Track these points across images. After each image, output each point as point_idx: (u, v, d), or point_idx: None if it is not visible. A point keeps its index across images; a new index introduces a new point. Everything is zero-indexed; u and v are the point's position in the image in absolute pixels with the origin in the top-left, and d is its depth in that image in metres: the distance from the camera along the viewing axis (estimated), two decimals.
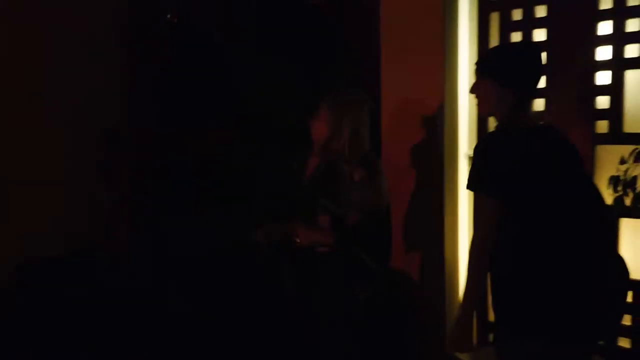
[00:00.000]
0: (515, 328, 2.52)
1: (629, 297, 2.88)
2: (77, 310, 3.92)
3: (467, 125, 3.61)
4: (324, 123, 2.99)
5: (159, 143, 4.50)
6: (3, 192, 3.95)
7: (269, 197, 3.38)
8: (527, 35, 3.40)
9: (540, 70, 2.72)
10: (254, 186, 4.08)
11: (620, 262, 2.57)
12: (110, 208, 4.41)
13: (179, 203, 4.41)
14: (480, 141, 2.62)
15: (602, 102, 3.22)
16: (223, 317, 3.95)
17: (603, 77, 3.21)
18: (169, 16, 4.42)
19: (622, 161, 3.02)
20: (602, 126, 3.22)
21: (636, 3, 3.11)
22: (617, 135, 3.16)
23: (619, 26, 3.14)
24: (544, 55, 3.25)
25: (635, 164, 2.98)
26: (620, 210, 3.05)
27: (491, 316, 3.50)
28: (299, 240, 2.94)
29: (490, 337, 3.57)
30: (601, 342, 3.20)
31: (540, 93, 3.31)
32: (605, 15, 3.19)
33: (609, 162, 3.13)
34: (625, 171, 2.99)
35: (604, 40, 3.20)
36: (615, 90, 3.16)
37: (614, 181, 3.03)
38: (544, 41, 3.34)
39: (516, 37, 3.43)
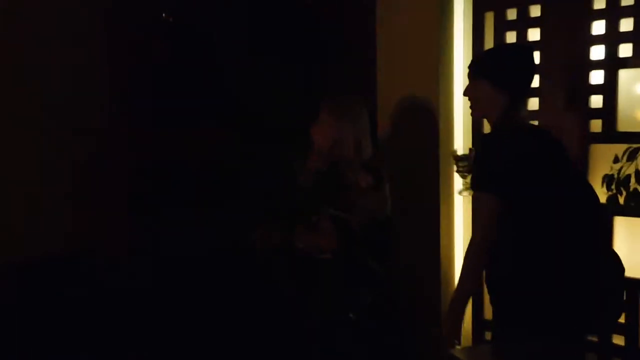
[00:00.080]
0: (515, 326, 2.54)
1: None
2: (77, 310, 3.93)
3: (462, 126, 3.62)
4: (326, 128, 2.98)
5: (156, 143, 4.51)
6: (3, 192, 3.96)
7: (267, 198, 3.38)
8: (522, 35, 3.41)
9: (534, 71, 2.75)
10: (252, 186, 4.09)
11: (616, 259, 2.60)
12: (109, 208, 4.42)
13: (177, 203, 4.42)
14: (479, 142, 2.64)
15: (596, 101, 3.24)
16: (222, 317, 3.96)
17: (597, 77, 3.23)
18: (164, 15, 4.42)
19: (616, 160, 3.03)
20: (596, 125, 3.24)
21: (630, 3, 3.12)
22: (611, 134, 3.18)
23: (612, 26, 3.16)
24: (537, 54, 3.30)
25: (628, 162, 2.99)
26: (614, 209, 3.06)
27: (487, 314, 3.52)
28: (301, 245, 2.94)
29: (487, 335, 3.58)
30: (596, 339, 3.23)
31: (534, 92, 3.34)
32: (599, 14, 3.21)
33: (603, 161, 3.15)
34: (619, 170, 3.00)
35: (598, 39, 3.22)
36: (609, 89, 3.18)
37: (608, 180, 3.04)
38: (538, 40, 3.36)
39: (511, 36, 3.45)
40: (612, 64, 3.17)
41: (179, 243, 4.28)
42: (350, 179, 2.96)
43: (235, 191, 4.24)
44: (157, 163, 4.53)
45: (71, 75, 4.28)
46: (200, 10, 4.53)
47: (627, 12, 3.13)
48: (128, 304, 4.09)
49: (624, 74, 3.17)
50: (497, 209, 2.47)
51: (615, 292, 2.59)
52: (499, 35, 3.47)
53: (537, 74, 3.29)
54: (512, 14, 3.45)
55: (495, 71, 2.68)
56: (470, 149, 3.17)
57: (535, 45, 3.36)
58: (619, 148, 3.06)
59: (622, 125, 3.17)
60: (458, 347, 2.76)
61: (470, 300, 3.44)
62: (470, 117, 3.55)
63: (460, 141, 3.61)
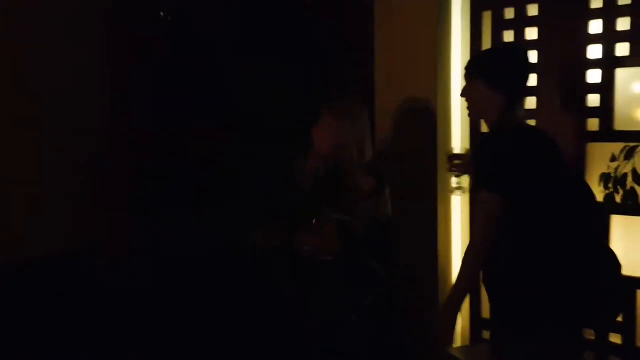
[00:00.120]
0: (514, 324, 2.55)
1: None
2: (77, 310, 3.94)
3: (459, 126, 3.63)
4: (327, 130, 2.96)
5: (156, 143, 4.52)
6: (3, 192, 3.97)
7: (267, 198, 3.38)
8: (520, 34, 3.42)
9: (529, 70, 2.76)
10: (252, 187, 4.09)
11: (613, 257, 2.60)
12: (109, 208, 4.43)
13: (177, 203, 4.42)
14: (480, 142, 2.65)
15: (593, 100, 3.25)
16: (222, 317, 3.96)
17: (594, 76, 3.24)
18: (162, 14, 4.43)
19: (613, 159, 3.04)
20: (593, 124, 3.25)
21: (627, 2, 3.13)
22: (608, 133, 3.19)
23: (609, 25, 3.17)
24: (534, 54, 3.31)
25: (625, 161, 2.99)
26: (611, 207, 3.07)
27: (485, 313, 3.53)
28: (304, 249, 2.93)
29: (485, 334, 3.58)
30: (593, 337, 3.24)
31: (531, 92, 3.35)
32: (596, 14, 3.22)
33: (600, 160, 3.15)
34: (616, 169, 3.00)
35: (595, 38, 3.22)
36: (606, 88, 3.19)
37: (605, 178, 3.05)
38: (536, 40, 3.37)
39: (508, 35, 3.46)
40: (610, 63, 3.18)
41: (179, 243, 4.28)
42: (353, 181, 2.94)
43: (235, 191, 4.24)
44: (157, 163, 4.54)
45: (71, 75, 4.29)
46: (200, 10, 4.54)
47: (624, 11, 3.14)
48: (128, 304, 4.09)
49: (621, 73, 3.18)
50: (499, 208, 2.47)
51: (614, 290, 2.60)
52: (497, 35, 3.48)
53: (533, 73, 3.31)
54: (509, 13, 3.46)
55: (492, 72, 2.70)
56: (466, 150, 3.16)
57: (532, 44, 3.37)
58: (616, 147, 3.06)
59: (619, 124, 3.18)
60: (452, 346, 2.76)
61: (468, 299, 3.47)
62: (467, 117, 3.57)
63: (458, 141, 3.62)
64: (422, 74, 3.55)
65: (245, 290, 3.84)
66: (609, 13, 3.17)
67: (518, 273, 2.52)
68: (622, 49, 3.16)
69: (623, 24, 3.15)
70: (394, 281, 3.12)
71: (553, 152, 2.66)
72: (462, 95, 2.81)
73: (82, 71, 4.34)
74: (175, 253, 4.28)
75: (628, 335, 3.17)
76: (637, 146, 2.97)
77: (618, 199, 3.03)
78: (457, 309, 2.64)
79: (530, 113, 3.31)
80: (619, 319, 3.14)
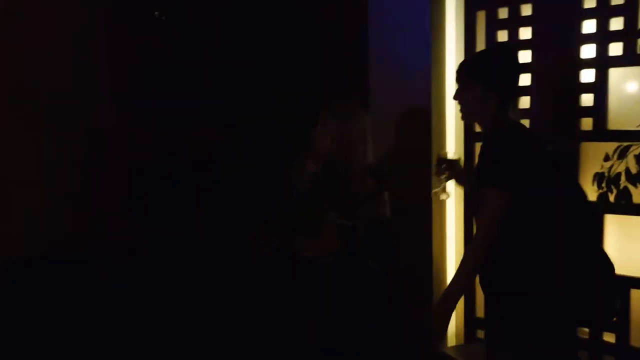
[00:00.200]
0: (512, 322, 2.55)
1: None
2: (77, 310, 3.95)
3: (454, 125, 3.64)
4: (326, 131, 2.95)
5: (156, 143, 4.52)
6: (3, 192, 3.99)
7: (267, 199, 3.39)
8: (513, 34, 3.43)
9: (520, 70, 2.76)
10: (252, 187, 4.09)
11: (606, 257, 2.61)
12: (109, 208, 4.44)
13: (177, 203, 4.43)
14: (483, 143, 2.64)
15: (587, 99, 3.26)
16: (222, 317, 3.97)
17: (587, 75, 3.25)
18: (156, 14, 4.44)
19: (607, 158, 3.04)
20: (587, 123, 3.26)
21: (620, 2, 3.14)
22: (601, 133, 3.20)
23: (602, 25, 3.18)
24: (528, 53, 3.32)
25: (619, 160, 2.99)
26: (605, 207, 3.07)
27: (479, 312, 3.54)
28: (306, 249, 2.93)
29: (479, 333, 3.60)
30: (587, 337, 3.25)
31: (525, 91, 3.36)
32: (589, 13, 3.23)
33: (594, 159, 3.16)
34: (610, 168, 3.00)
35: (588, 38, 3.23)
36: (600, 88, 3.21)
37: (599, 178, 3.04)
38: (529, 39, 3.38)
39: (502, 35, 3.47)
40: (603, 63, 3.19)
41: (179, 243, 4.29)
42: (352, 182, 2.95)
43: (235, 191, 4.25)
44: (157, 163, 4.54)
45: (71, 75, 4.31)
46: (199, 10, 4.55)
47: (617, 11, 3.15)
48: (128, 304, 4.10)
49: (614, 73, 3.20)
50: (505, 205, 2.47)
51: (612, 290, 2.61)
52: (491, 34, 3.49)
53: (527, 72, 3.33)
54: (503, 13, 3.47)
55: (485, 73, 2.69)
56: (457, 155, 3.12)
57: (526, 44, 3.38)
58: (610, 146, 3.06)
59: (613, 124, 3.20)
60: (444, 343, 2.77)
61: (462, 299, 3.48)
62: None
63: (452, 141, 3.63)
64: (416, 74, 3.56)
65: (245, 290, 3.85)
66: (602, 13, 3.18)
67: (517, 273, 2.52)
68: (615, 49, 3.17)
69: (616, 23, 3.16)
70: (392, 281, 3.13)
71: (548, 152, 2.67)
72: (455, 97, 2.81)
73: (82, 71, 4.34)
74: (175, 253, 4.29)
75: (622, 334, 3.18)
76: (631, 145, 2.96)
77: (611, 198, 3.03)
78: (452, 307, 2.62)
79: (524, 113, 3.32)
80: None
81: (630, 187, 2.87)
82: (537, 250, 2.49)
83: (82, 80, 4.35)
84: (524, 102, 3.38)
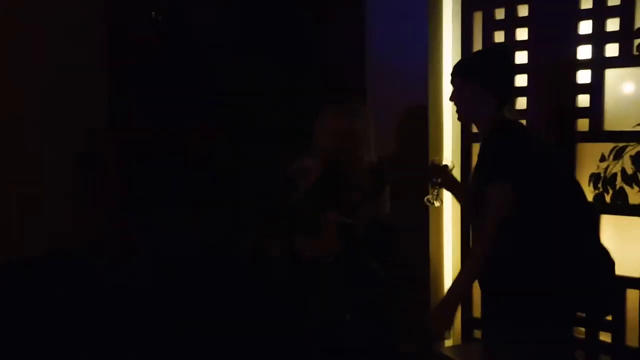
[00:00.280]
0: (514, 323, 2.56)
1: None
2: (77, 310, 3.96)
3: (450, 126, 3.65)
4: (329, 129, 2.96)
5: (156, 143, 4.53)
6: (3, 192, 4.00)
7: (266, 198, 3.39)
8: (510, 34, 3.44)
9: (515, 71, 2.77)
10: (252, 187, 4.09)
11: (607, 254, 2.62)
12: (109, 208, 4.45)
13: (176, 203, 4.44)
14: (486, 138, 2.64)
15: (583, 100, 3.26)
16: (222, 317, 3.98)
17: (584, 76, 3.26)
18: (154, 14, 4.44)
19: (603, 159, 3.04)
20: (583, 124, 3.26)
21: (616, 3, 3.15)
22: (598, 133, 3.21)
23: (599, 25, 3.19)
24: (525, 54, 3.33)
25: (615, 161, 2.99)
26: (601, 207, 3.08)
27: (476, 312, 3.55)
28: (307, 254, 2.94)
29: (476, 333, 3.60)
30: (584, 336, 3.26)
31: (521, 92, 3.37)
32: (585, 14, 3.24)
33: (590, 160, 3.16)
34: (606, 169, 3.00)
35: (585, 39, 3.24)
36: (596, 88, 3.21)
37: (595, 178, 3.05)
38: (526, 40, 3.39)
39: (499, 36, 3.47)
40: (599, 64, 3.20)
41: (178, 243, 4.30)
42: (353, 180, 2.95)
43: (236, 191, 4.26)
44: (156, 163, 4.55)
45: (71, 75, 4.32)
46: (197, 11, 4.55)
47: (613, 12, 3.16)
48: (128, 304, 4.11)
49: (610, 74, 3.20)
50: (512, 200, 2.46)
51: (613, 290, 2.63)
52: (488, 35, 3.49)
53: (524, 73, 3.34)
54: (500, 14, 3.47)
55: (482, 74, 2.69)
56: (450, 162, 3.09)
57: (523, 44, 3.39)
58: (606, 147, 3.06)
59: (609, 125, 3.21)
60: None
61: None
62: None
63: (449, 141, 3.64)
64: (413, 74, 3.57)
65: (245, 290, 3.85)
66: (599, 14, 3.19)
67: (517, 273, 2.52)
68: (612, 50, 3.18)
69: (612, 24, 3.16)
70: (391, 281, 3.14)
71: (548, 151, 2.68)
72: (452, 99, 2.80)
73: (81, 71, 4.36)
74: (175, 253, 4.29)
75: (617, 334, 3.19)
76: (627, 146, 2.96)
77: (607, 198, 3.04)
78: (456, 307, 2.58)
79: (521, 113, 3.33)
80: (609, 317, 3.17)
81: (626, 188, 2.87)
82: (537, 250, 2.49)
83: (82, 80, 4.37)
84: (521, 102, 3.39)
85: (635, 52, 3.11)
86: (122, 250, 4.40)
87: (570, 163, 3.24)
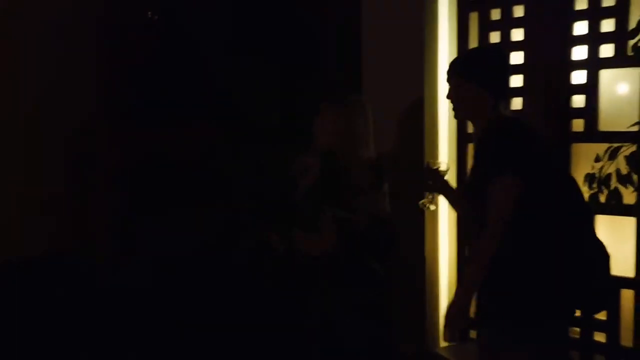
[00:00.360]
0: (513, 323, 2.56)
1: None
2: (77, 310, 3.98)
3: (446, 127, 3.66)
4: (328, 126, 2.98)
5: (156, 143, 4.55)
6: (3, 192, 4.02)
7: (267, 198, 3.39)
8: (506, 35, 3.44)
9: (510, 70, 2.78)
10: (252, 186, 4.10)
11: (604, 249, 2.62)
12: (108, 208, 4.47)
13: (176, 203, 4.45)
14: (488, 133, 2.64)
15: (578, 100, 3.27)
16: (222, 316, 3.99)
17: (578, 77, 3.26)
18: (149, 14, 4.46)
19: (597, 159, 3.04)
20: (578, 124, 3.27)
21: (611, 4, 3.15)
22: (593, 134, 3.21)
23: (594, 26, 3.19)
24: (520, 54, 3.34)
25: (609, 161, 2.99)
26: (596, 207, 3.09)
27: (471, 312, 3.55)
28: (304, 249, 2.95)
29: (471, 333, 3.61)
30: (578, 336, 3.26)
31: (517, 92, 3.37)
32: (580, 15, 3.24)
33: (585, 160, 3.18)
34: (600, 169, 3.00)
35: (580, 40, 3.25)
36: (591, 89, 3.22)
37: (589, 179, 3.05)
38: (521, 40, 3.39)
39: (495, 36, 3.48)
40: (594, 64, 3.20)
41: (178, 243, 4.31)
42: (353, 177, 2.96)
43: (235, 191, 4.27)
44: (156, 163, 4.57)
45: (70, 75, 4.34)
46: (193, 11, 4.57)
47: (608, 12, 3.16)
48: (127, 304, 4.12)
49: (605, 74, 3.21)
50: (519, 193, 2.45)
51: (611, 289, 2.63)
52: (484, 36, 3.50)
53: (519, 73, 3.34)
54: (496, 14, 3.48)
55: (479, 72, 2.70)
56: (446, 165, 3.08)
57: (518, 45, 3.40)
58: (601, 147, 3.06)
59: (604, 125, 3.21)
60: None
61: None
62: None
63: (445, 141, 3.64)
64: (409, 75, 3.58)
65: (245, 289, 3.86)
66: (593, 14, 3.20)
67: (517, 273, 2.52)
68: (607, 50, 3.18)
69: (607, 25, 3.17)
70: (390, 280, 3.14)
71: (546, 149, 2.68)
72: (448, 97, 2.80)
73: (76, 72, 4.38)
74: (175, 253, 4.31)
75: (612, 334, 3.20)
76: (621, 146, 2.96)
77: (602, 199, 3.04)
78: (467, 307, 2.58)
79: (516, 113, 3.33)
80: (604, 317, 3.18)
81: (621, 188, 2.87)
82: (537, 250, 2.50)
83: (82, 80, 4.39)
84: (516, 103, 3.40)
85: (629, 53, 3.12)
86: (122, 251, 4.42)
87: (565, 163, 3.24)
